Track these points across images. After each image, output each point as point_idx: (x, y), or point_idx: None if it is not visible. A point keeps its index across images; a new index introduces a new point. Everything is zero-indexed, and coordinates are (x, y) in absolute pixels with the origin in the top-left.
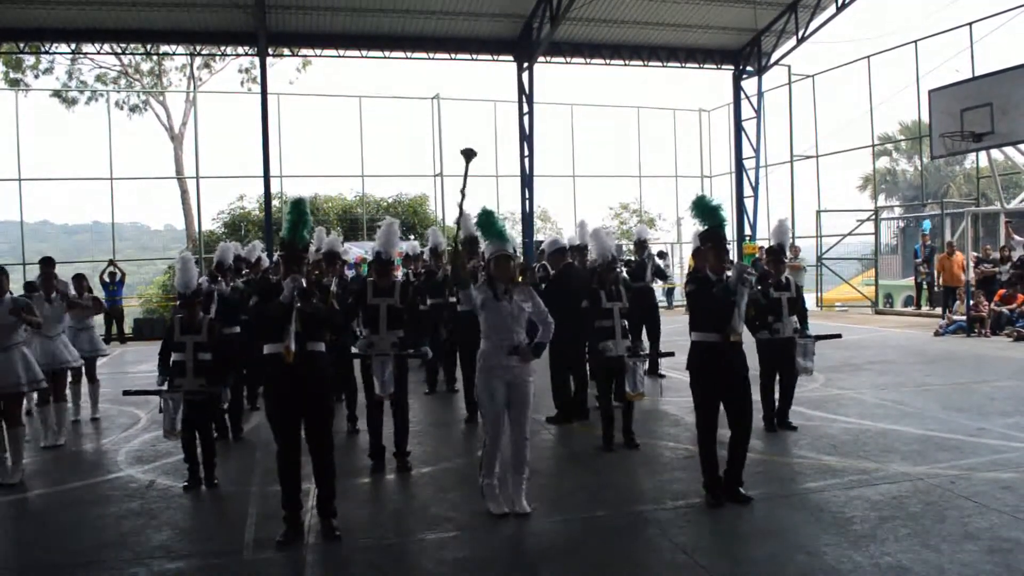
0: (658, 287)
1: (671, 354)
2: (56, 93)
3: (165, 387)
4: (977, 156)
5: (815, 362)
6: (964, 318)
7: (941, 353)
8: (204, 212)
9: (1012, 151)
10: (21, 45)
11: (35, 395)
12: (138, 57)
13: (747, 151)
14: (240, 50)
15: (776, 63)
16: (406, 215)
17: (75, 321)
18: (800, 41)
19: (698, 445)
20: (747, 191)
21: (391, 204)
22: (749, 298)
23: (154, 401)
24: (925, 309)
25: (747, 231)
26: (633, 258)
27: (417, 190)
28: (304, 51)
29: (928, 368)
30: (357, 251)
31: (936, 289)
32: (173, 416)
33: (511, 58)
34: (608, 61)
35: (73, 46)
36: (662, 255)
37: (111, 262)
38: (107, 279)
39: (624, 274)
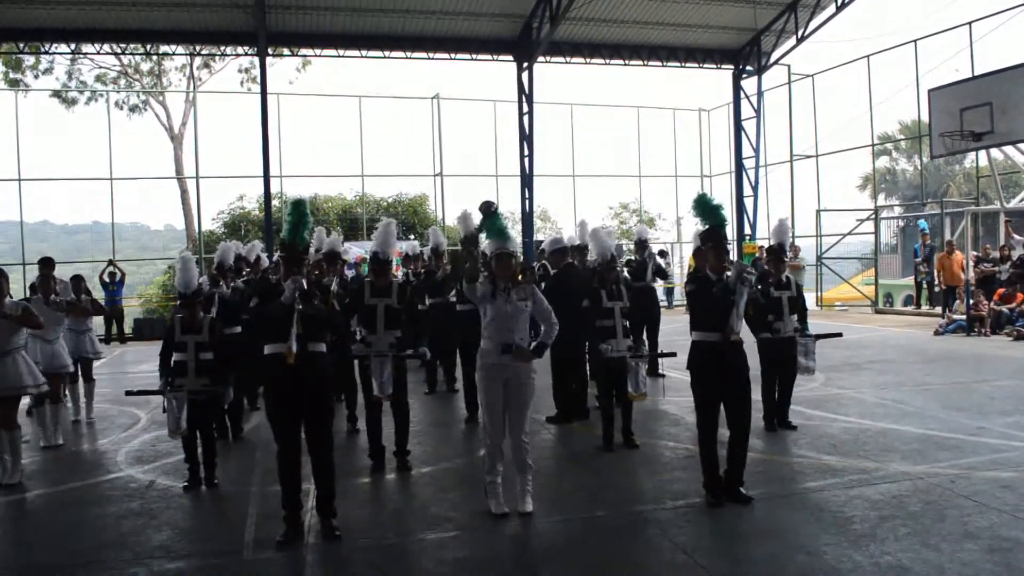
0: (659, 286)
1: (673, 354)
2: (56, 93)
3: (167, 387)
4: (977, 155)
5: (816, 361)
6: (964, 317)
7: (941, 352)
8: (204, 212)
9: (1012, 150)
10: (21, 45)
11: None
12: (138, 57)
13: (747, 151)
14: (240, 50)
15: (776, 63)
16: (406, 215)
17: (74, 323)
18: (800, 41)
19: (698, 445)
20: (747, 191)
21: (391, 204)
22: (748, 297)
23: (154, 401)
24: (925, 308)
25: (747, 231)
26: (634, 258)
27: (417, 190)
28: (304, 51)
29: (928, 367)
30: (357, 251)
31: (937, 289)
32: (177, 415)
33: (511, 58)
34: (608, 61)
35: (73, 46)
36: (663, 254)
37: (111, 262)
38: (107, 279)
39: (625, 274)
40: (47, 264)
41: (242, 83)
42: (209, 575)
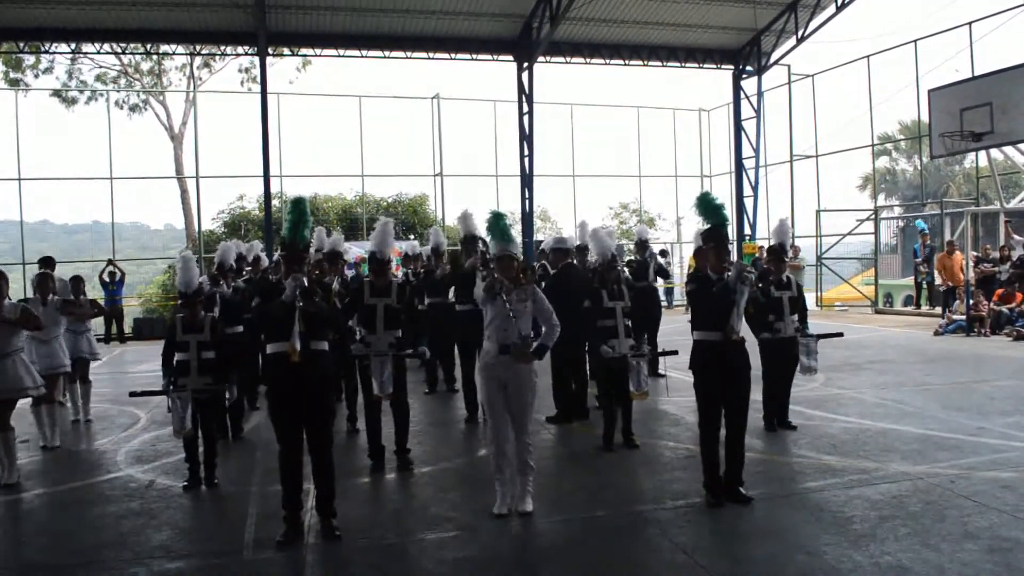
0: (660, 286)
1: (674, 352)
2: (56, 93)
3: (171, 387)
4: (976, 156)
5: (819, 361)
6: (964, 317)
7: (941, 352)
8: (204, 212)
9: (1012, 150)
10: (21, 45)
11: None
12: (138, 57)
13: (747, 151)
14: (240, 50)
15: (776, 63)
16: (406, 215)
17: (72, 324)
18: (800, 41)
19: (700, 444)
20: (747, 191)
21: (391, 204)
22: (749, 296)
23: (154, 401)
24: (925, 308)
25: (747, 231)
26: (635, 258)
27: (417, 190)
28: (304, 51)
29: (928, 367)
30: (357, 251)
31: (942, 288)
32: (182, 415)
33: (511, 58)
34: (608, 61)
35: (73, 46)
36: (664, 254)
37: (110, 262)
38: (107, 279)
39: (627, 274)
40: (47, 263)
41: (242, 83)
42: (209, 575)
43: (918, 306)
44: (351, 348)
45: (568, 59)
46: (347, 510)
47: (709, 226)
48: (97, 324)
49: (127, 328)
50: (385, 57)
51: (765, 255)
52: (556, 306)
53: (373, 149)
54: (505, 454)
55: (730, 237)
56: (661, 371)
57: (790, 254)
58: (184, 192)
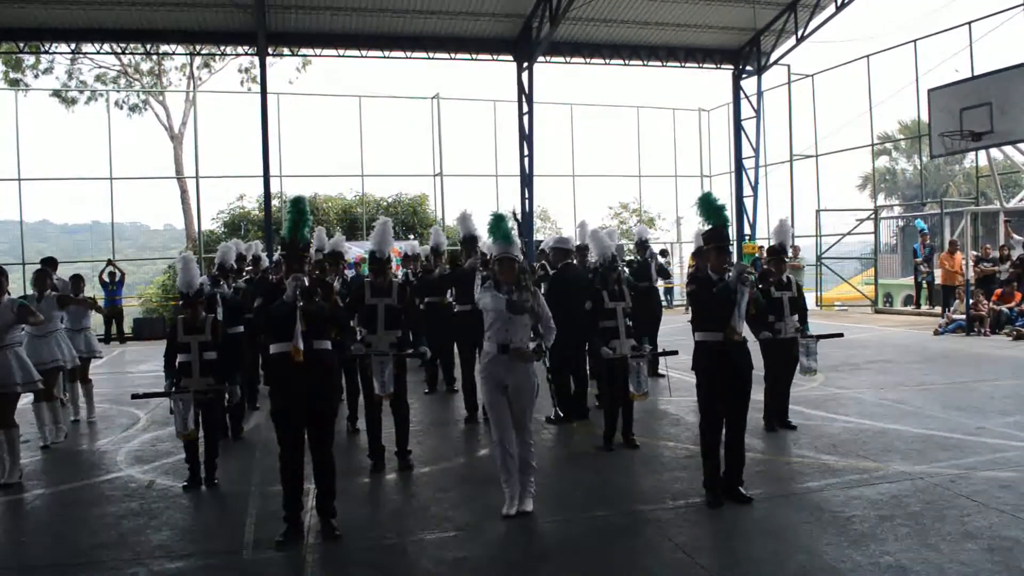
0: (660, 286)
1: (674, 352)
2: (56, 93)
3: (173, 389)
4: (976, 155)
5: (819, 361)
6: (963, 317)
7: (940, 352)
8: (204, 212)
9: (1011, 150)
10: (21, 45)
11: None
12: (138, 57)
13: (747, 151)
14: (240, 50)
15: (776, 63)
16: (406, 215)
17: (72, 322)
18: (800, 41)
19: (701, 444)
20: (747, 191)
21: (391, 204)
22: (751, 298)
23: (154, 401)
24: (925, 308)
25: (747, 231)
26: (635, 258)
27: (417, 190)
28: (304, 51)
29: (928, 367)
30: (357, 251)
31: (945, 284)
32: (185, 416)
33: (511, 58)
34: (608, 61)
35: (73, 46)
36: (664, 253)
37: (110, 262)
38: (106, 279)
39: (628, 274)
40: (48, 264)
41: (242, 83)
42: (209, 575)
43: (918, 306)
44: (351, 348)
45: (568, 59)
46: (347, 510)
47: (710, 227)
48: (97, 324)
49: (127, 328)
50: (385, 57)
51: (765, 255)
52: (556, 306)
53: (373, 149)
54: (511, 456)
55: (730, 237)
56: (661, 371)
57: (790, 254)
58: (184, 192)
